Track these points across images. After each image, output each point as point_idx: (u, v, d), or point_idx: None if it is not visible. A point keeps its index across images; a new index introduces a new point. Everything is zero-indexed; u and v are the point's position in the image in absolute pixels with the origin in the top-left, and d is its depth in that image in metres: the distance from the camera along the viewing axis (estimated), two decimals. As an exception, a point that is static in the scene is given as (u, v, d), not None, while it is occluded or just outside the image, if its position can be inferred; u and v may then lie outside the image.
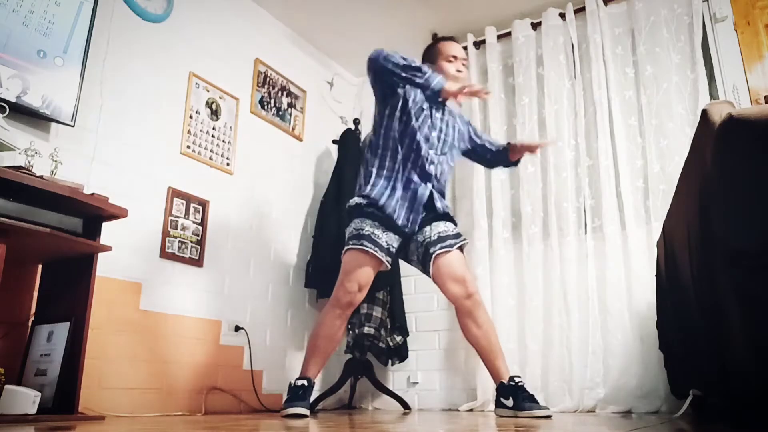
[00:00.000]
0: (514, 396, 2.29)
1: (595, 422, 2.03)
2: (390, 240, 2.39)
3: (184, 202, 2.86)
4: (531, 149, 2.65)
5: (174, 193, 2.81)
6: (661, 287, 2.31)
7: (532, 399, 2.29)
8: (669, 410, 2.55)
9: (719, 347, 1.38)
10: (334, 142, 3.79)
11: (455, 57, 2.56)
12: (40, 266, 2.24)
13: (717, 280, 1.27)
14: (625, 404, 2.67)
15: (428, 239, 2.41)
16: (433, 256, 2.39)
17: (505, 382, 2.33)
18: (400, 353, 3.40)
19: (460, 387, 3.32)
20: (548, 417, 2.23)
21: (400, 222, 2.38)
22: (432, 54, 2.60)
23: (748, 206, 1.15)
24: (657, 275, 2.42)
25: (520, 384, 2.31)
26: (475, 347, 2.43)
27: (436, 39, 2.66)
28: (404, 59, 2.37)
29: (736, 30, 2.98)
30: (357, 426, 1.85)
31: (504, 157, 2.71)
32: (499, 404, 2.35)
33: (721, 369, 1.40)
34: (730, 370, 1.33)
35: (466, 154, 2.73)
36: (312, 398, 3.26)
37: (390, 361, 3.41)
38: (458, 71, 2.55)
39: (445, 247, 2.40)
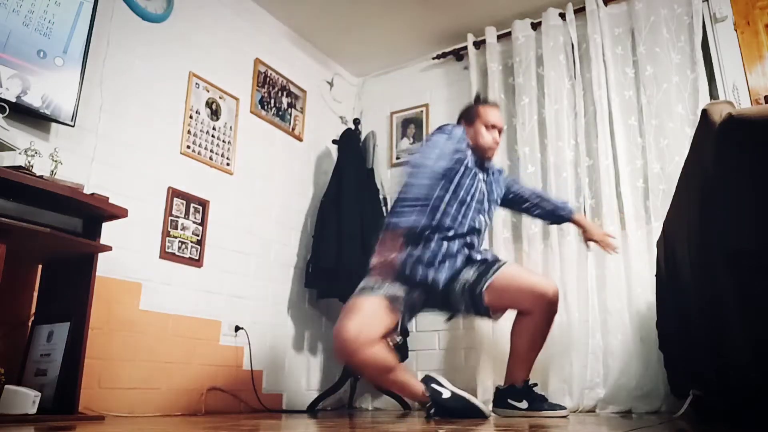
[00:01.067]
0: (528, 398, 2.32)
1: (595, 422, 2.03)
2: None
3: (184, 202, 2.86)
4: (595, 239, 2.65)
5: (174, 193, 2.81)
6: (661, 287, 2.31)
7: (544, 399, 2.35)
8: (669, 410, 2.54)
9: (719, 347, 1.38)
10: (334, 142, 3.78)
11: (494, 126, 2.46)
12: (40, 266, 2.24)
13: (717, 280, 1.27)
14: (625, 404, 2.67)
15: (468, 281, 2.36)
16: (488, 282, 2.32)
17: (518, 386, 2.36)
18: (401, 353, 3.39)
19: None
20: (566, 417, 2.30)
21: None
22: (471, 114, 2.49)
23: (748, 206, 1.15)
24: (657, 275, 2.42)
25: (532, 385, 2.36)
26: (518, 341, 2.40)
27: (478, 101, 2.57)
28: None
29: (736, 30, 2.98)
30: (357, 426, 1.85)
31: (550, 213, 2.71)
32: (505, 405, 2.37)
33: (721, 369, 1.40)
34: (730, 370, 1.33)
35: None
36: (312, 398, 3.29)
37: (390, 361, 3.40)
38: (496, 142, 2.47)
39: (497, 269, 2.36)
